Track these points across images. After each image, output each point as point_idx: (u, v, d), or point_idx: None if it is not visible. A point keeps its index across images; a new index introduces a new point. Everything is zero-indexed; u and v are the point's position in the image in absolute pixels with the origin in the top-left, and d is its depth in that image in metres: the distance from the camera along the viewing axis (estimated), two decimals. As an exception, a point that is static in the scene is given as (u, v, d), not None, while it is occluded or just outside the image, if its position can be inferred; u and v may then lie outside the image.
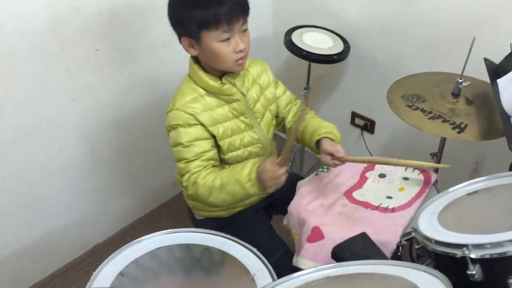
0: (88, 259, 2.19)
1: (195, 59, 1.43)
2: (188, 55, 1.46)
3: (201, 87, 1.42)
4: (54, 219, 2.02)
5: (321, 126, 1.50)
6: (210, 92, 1.42)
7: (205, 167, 1.41)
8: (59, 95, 1.81)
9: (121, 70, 1.95)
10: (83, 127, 1.94)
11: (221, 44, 1.32)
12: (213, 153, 1.43)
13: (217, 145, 1.46)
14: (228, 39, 1.32)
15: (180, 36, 1.37)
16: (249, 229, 1.54)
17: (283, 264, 1.33)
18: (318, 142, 1.48)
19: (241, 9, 1.32)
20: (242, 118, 1.47)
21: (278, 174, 1.29)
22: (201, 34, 1.31)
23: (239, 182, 1.33)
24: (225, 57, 1.34)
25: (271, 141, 1.58)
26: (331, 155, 1.42)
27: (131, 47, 1.95)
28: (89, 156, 2.02)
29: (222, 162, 1.51)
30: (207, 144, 1.41)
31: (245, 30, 1.36)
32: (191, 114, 1.38)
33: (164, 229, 1.34)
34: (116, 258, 1.26)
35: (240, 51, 1.34)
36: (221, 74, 1.42)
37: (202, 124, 1.40)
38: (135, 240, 1.33)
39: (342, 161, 1.41)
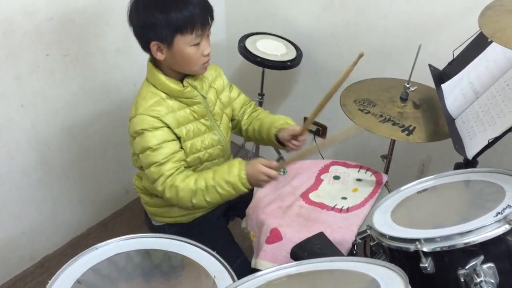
0: (37, 271, 2.12)
1: (154, 63, 1.42)
2: (142, 62, 1.45)
3: (162, 91, 1.41)
4: (1, 230, 1.95)
5: (275, 119, 1.56)
6: (171, 95, 1.42)
7: (178, 168, 1.39)
8: (7, 101, 1.75)
9: (73, 75, 1.91)
10: (33, 134, 1.88)
11: (192, 49, 1.35)
12: (182, 153, 1.43)
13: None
14: (198, 43, 1.35)
15: (149, 41, 1.35)
16: (208, 236, 1.54)
17: (241, 273, 1.33)
18: (276, 136, 1.52)
19: (210, 14, 1.36)
20: (202, 120, 1.48)
21: (272, 175, 1.34)
22: (174, 39, 1.32)
23: (229, 183, 1.35)
24: (194, 61, 1.37)
25: (229, 143, 1.60)
26: (294, 138, 1.48)
27: (83, 53, 1.91)
28: (40, 164, 1.96)
29: None
30: (175, 145, 1.41)
31: (209, 35, 1.39)
32: (156, 117, 1.38)
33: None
34: (73, 266, 1.23)
35: (208, 54, 1.38)
36: (181, 78, 1.43)
37: (168, 126, 1.39)
38: (92, 247, 1.30)
39: (303, 132, 1.49)
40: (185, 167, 1.43)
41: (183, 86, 1.41)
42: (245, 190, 1.37)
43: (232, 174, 1.35)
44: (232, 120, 1.64)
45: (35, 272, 2.11)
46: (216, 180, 1.35)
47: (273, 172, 1.34)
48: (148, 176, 1.42)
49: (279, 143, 1.53)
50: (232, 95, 1.62)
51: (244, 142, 2.45)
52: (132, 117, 1.40)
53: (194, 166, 1.51)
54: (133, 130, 1.39)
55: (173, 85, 1.40)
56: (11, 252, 2.02)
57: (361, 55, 1.34)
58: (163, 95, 1.41)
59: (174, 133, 1.41)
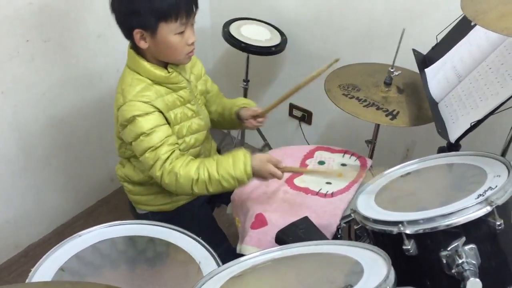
0: (22, 260, 2.10)
1: (136, 50, 1.39)
2: (125, 48, 1.43)
3: (147, 77, 1.39)
4: (-16, 219, 1.93)
5: (236, 100, 1.64)
6: (156, 82, 1.40)
7: (172, 151, 1.37)
8: (-13, 88, 1.72)
9: (54, 62, 1.88)
10: (14, 122, 1.85)
11: (176, 37, 1.33)
12: (174, 137, 1.41)
13: None
14: (182, 32, 1.34)
15: (132, 29, 1.32)
16: (192, 223, 1.53)
17: (226, 259, 1.33)
18: (237, 115, 1.60)
19: (194, 2, 1.35)
20: (188, 105, 1.47)
21: (277, 175, 1.36)
22: (158, 27, 1.31)
23: (234, 178, 1.34)
24: (178, 50, 1.36)
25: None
26: (253, 117, 1.58)
27: (64, 39, 1.88)
28: (22, 152, 1.93)
29: None
30: (168, 129, 1.39)
31: (193, 24, 1.38)
32: (146, 102, 1.36)
33: (102, 226, 1.32)
34: (56, 253, 1.22)
35: (192, 43, 1.37)
36: (164, 65, 1.41)
37: (159, 110, 1.38)
38: (76, 234, 1.29)
39: (263, 114, 1.58)
40: (180, 150, 1.42)
41: (169, 72, 1.40)
42: (248, 182, 1.38)
43: (238, 169, 1.33)
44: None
45: (19, 261, 2.09)
46: (220, 173, 1.34)
47: (280, 174, 1.36)
48: (144, 163, 1.39)
49: (239, 119, 1.61)
50: (209, 85, 1.63)
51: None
52: (120, 105, 1.37)
53: (184, 152, 1.49)
54: (124, 118, 1.36)
55: (158, 71, 1.38)
56: (-5, 241, 2.00)
57: (336, 60, 1.50)
58: (149, 81, 1.39)
59: (165, 117, 1.40)
